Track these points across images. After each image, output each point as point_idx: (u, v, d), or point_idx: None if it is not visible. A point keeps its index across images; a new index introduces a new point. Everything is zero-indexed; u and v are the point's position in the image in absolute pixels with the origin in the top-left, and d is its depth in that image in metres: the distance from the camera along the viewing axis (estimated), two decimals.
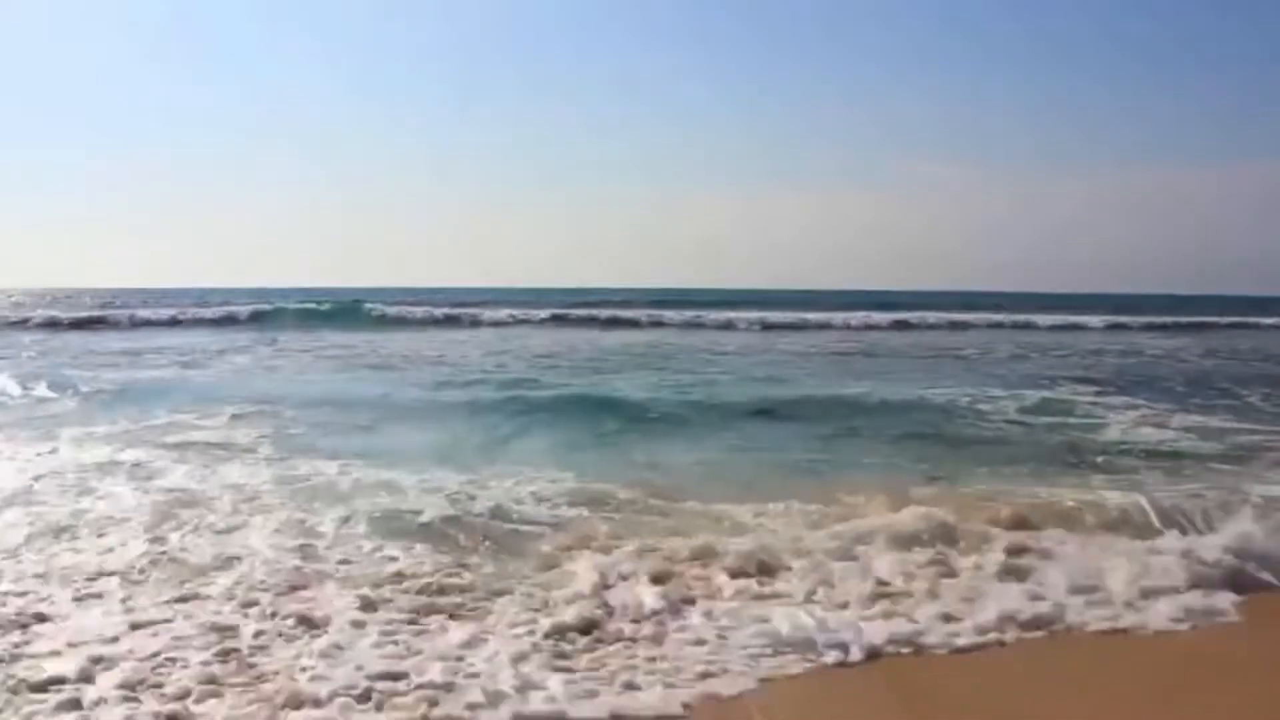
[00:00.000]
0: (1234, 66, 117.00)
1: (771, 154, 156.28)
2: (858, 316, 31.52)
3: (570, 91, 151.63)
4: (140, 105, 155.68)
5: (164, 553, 4.91)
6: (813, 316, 31.64)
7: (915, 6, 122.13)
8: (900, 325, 29.93)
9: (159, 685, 3.37)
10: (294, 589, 4.41)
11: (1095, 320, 32.56)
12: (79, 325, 25.98)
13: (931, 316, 32.11)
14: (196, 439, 8.19)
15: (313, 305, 30.86)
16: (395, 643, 3.80)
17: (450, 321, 28.73)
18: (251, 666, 3.55)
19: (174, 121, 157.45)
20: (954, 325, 30.30)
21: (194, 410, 9.66)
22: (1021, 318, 32.78)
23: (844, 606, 4.28)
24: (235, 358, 17.11)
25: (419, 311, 29.80)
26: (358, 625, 3.97)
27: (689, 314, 31.46)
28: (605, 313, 31.29)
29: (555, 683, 3.45)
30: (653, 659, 3.69)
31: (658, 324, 29.40)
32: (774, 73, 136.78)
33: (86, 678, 3.39)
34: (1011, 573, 4.75)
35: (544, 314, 30.39)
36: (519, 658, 3.65)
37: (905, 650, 3.87)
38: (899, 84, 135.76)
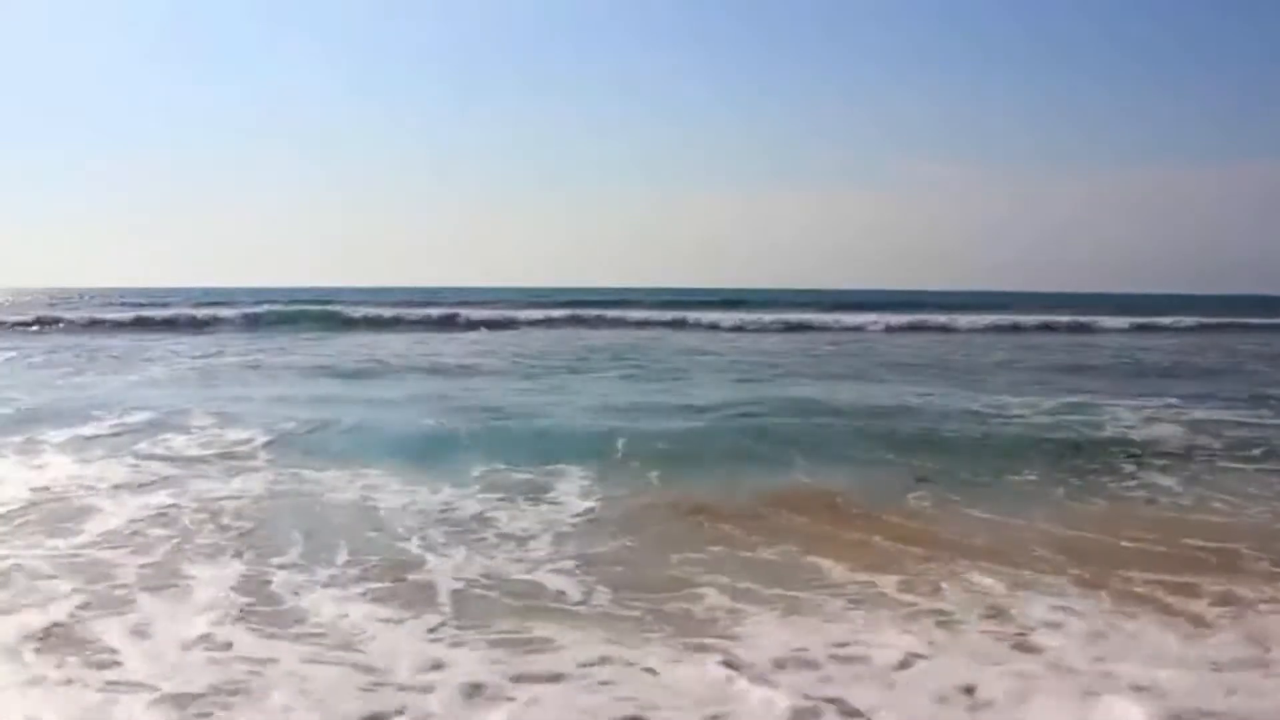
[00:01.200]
0: (1234, 66, 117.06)
1: (771, 154, 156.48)
2: (874, 319, 31.05)
3: (570, 91, 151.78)
4: (140, 105, 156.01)
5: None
6: (846, 318, 31.34)
7: (915, 6, 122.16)
8: (914, 327, 29.51)
9: None
10: None
11: (1120, 321, 32.07)
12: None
13: (941, 318, 31.61)
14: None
15: (304, 307, 30.38)
16: None
17: (445, 323, 28.53)
18: None
19: (174, 121, 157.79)
20: (986, 328, 30.03)
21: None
22: (1032, 319, 32.27)
23: None
24: (183, 362, 17.03)
25: (412, 313, 29.62)
26: None
27: (691, 314, 31.20)
28: (605, 313, 31.07)
29: None
30: None
31: (684, 325, 29.24)
32: (774, 73, 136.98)
33: None
34: None
35: (542, 315, 30.23)
36: None
37: None
38: (899, 84, 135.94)
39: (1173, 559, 5.10)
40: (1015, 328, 30.25)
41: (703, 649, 3.82)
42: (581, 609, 4.30)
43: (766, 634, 3.99)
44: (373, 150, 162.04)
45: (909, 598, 4.47)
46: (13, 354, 17.62)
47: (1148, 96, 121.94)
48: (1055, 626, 4.09)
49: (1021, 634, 4.02)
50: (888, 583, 4.67)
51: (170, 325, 26.39)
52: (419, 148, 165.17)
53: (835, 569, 4.87)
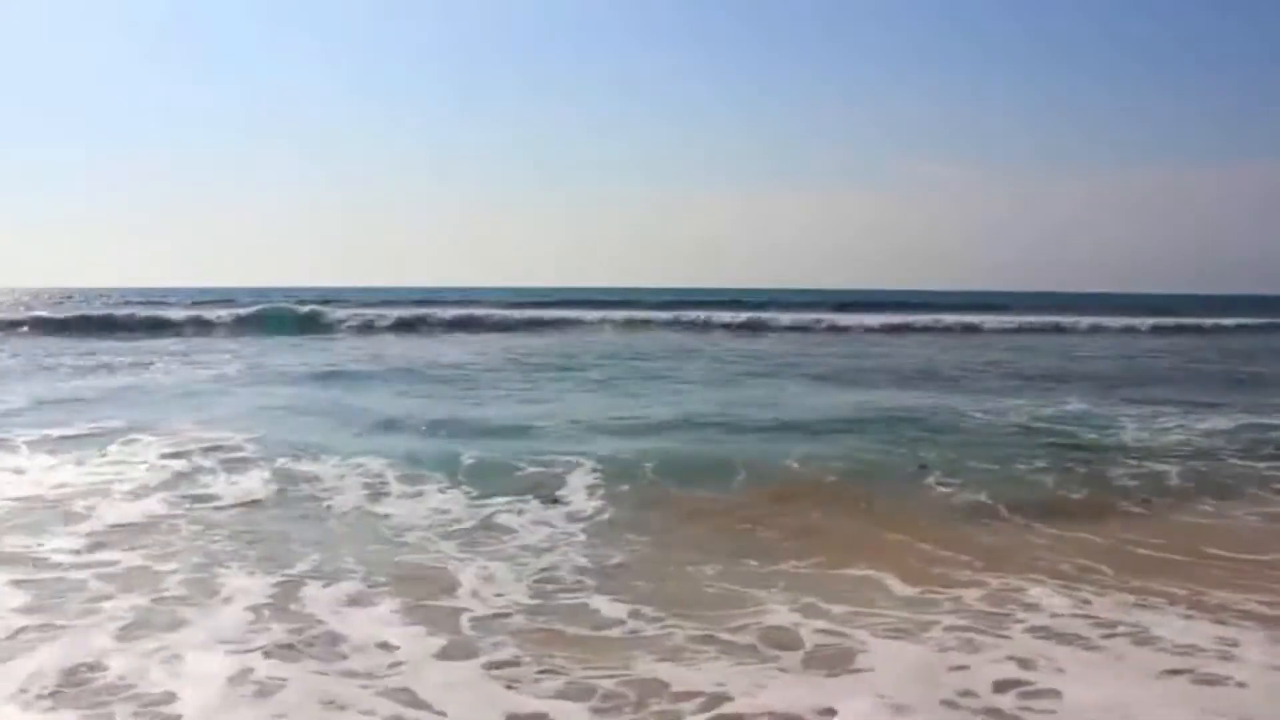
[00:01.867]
0: (1234, 66, 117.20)
1: (771, 154, 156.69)
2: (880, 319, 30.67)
3: (570, 91, 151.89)
4: (140, 105, 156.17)
5: None
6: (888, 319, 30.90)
7: (915, 6, 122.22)
8: (916, 328, 29.22)
9: None
10: None
11: (1136, 322, 31.80)
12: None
13: (949, 318, 31.21)
14: None
15: (303, 307, 30.00)
16: None
17: (445, 324, 28.29)
18: None
19: (174, 121, 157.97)
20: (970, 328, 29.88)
21: None
22: (1039, 319, 31.96)
23: None
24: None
25: (412, 314, 29.43)
26: None
27: (692, 314, 30.97)
28: (605, 313, 30.86)
29: None
30: None
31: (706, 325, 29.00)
32: (774, 73, 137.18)
33: None
34: None
35: (542, 315, 30.06)
36: None
37: None
38: (899, 84, 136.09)
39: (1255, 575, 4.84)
40: (1019, 329, 30.17)
41: (852, 692, 3.37)
42: (645, 636, 3.92)
43: (897, 666, 3.60)
44: (373, 150, 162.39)
45: (1015, 613, 4.20)
46: (11, 355, 17.54)
47: (1148, 96, 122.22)
48: (1226, 657, 3.71)
49: (1181, 656, 3.71)
50: (972, 597, 4.39)
51: (169, 326, 26.24)
52: (419, 148, 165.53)
53: (890, 580, 4.65)
